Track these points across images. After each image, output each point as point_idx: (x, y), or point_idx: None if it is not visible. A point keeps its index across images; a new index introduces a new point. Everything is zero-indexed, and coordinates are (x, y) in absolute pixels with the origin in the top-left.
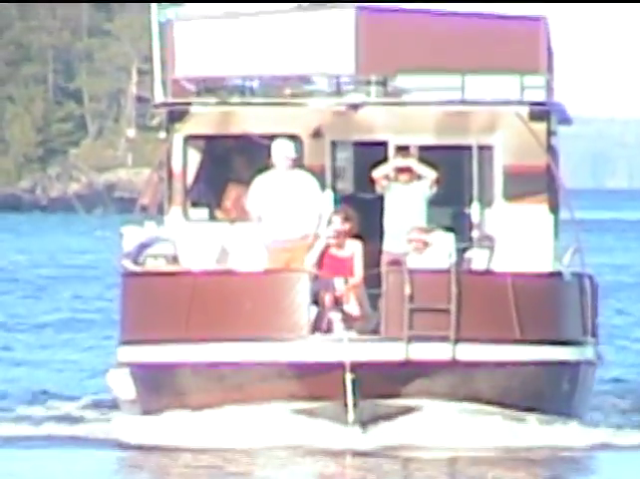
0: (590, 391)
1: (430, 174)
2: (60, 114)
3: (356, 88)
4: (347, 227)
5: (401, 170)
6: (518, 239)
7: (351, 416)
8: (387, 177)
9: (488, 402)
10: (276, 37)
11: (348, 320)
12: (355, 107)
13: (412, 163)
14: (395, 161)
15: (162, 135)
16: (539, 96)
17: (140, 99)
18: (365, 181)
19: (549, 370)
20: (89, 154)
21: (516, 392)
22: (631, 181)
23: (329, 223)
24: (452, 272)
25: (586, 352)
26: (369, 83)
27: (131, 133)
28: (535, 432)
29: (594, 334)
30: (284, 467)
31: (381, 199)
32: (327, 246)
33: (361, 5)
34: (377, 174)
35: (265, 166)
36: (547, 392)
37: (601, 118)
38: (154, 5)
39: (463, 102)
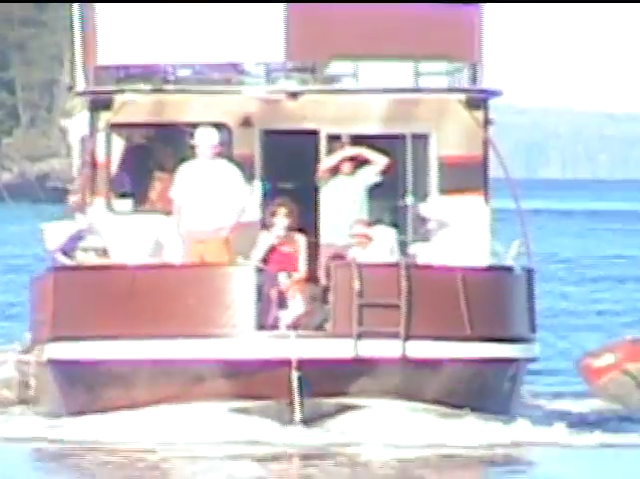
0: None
1: (381, 160)
2: None
3: (286, 75)
4: (290, 220)
5: (347, 159)
6: (456, 233)
7: (297, 415)
8: (333, 169)
9: (437, 401)
10: (205, 22)
11: (294, 316)
12: (294, 95)
13: (362, 150)
14: (344, 151)
15: (66, 122)
16: (475, 84)
17: (72, 89)
18: (296, 171)
19: (499, 368)
20: (21, 143)
21: (466, 390)
22: (564, 171)
23: (272, 216)
24: (401, 267)
25: (533, 349)
26: (299, 70)
27: (64, 122)
28: (481, 430)
29: (535, 330)
30: (222, 468)
31: (315, 190)
32: (275, 241)
33: None
34: (324, 166)
35: (191, 155)
36: (495, 389)
37: (536, 108)
38: None
39: (398, 90)
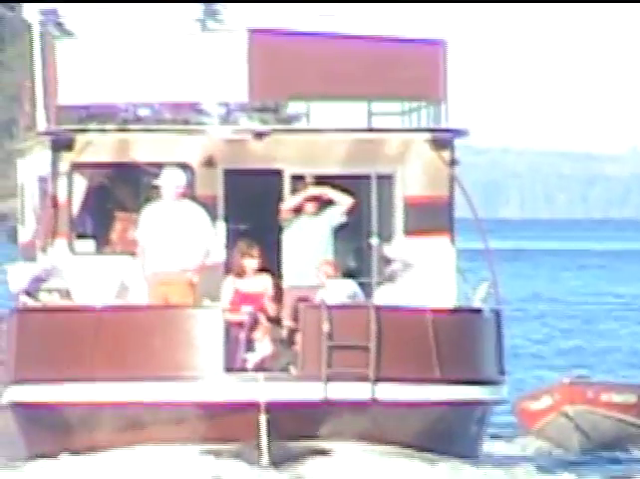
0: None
1: (346, 200)
2: None
3: (249, 115)
4: (258, 261)
5: (310, 199)
6: (421, 274)
7: (265, 458)
8: (297, 209)
9: (406, 444)
10: (166, 61)
11: (261, 359)
12: (260, 135)
13: (326, 190)
14: (308, 190)
15: (18, 161)
16: (438, 124)
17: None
18: (259, 211)
19: (468, 410)
20: None
21: (435, 433)
22: (522, 210)
23: (242, 257)
24: (370, 308)
25: (501, 391)
26: (260, 110)
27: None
28: (450, 476)
29: (503, 372)
30: None
31: (278, 231)
32: (245, 283)
33: (253, 28)
34: (287, 205)
35: (154, 195)
36: (463, 432)
37: (495, 147)
38: (35, 24)
39: (364, 130)
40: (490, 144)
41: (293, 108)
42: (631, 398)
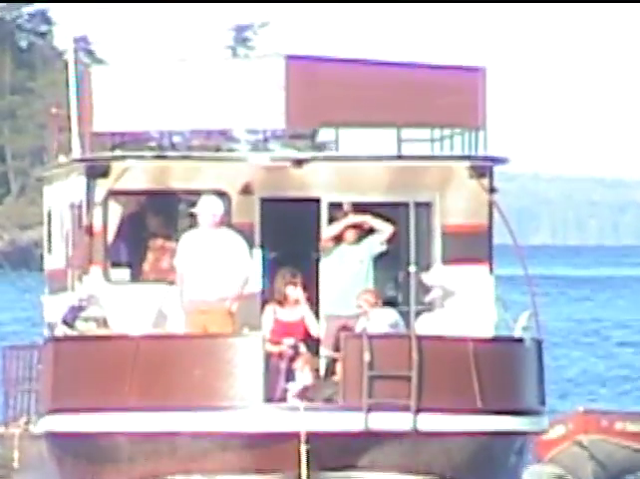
0: None
1: (387, 228)
2: None
3: (284, 143)
4: (301, 291)
5: (351, 227)
6: (460, 303)
7: None
8: (336, 237)
9: (448, 475)
10: (201, 88)
11: (302, 388)
12: (299, 162)
13: (367, 218)
14: (349, 218)
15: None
16: (476, 151)
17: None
18: (296, 239)
19: (509, 441)
20: (12, 211)
21: (476, 463)
22: (554, 237)
23: (285, 286)
24: (412, 338)
25: (542, 422)
26: (296, 137)
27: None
28: None
29: (544, 402)
30: None
31: (316, 259)
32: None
33: (290, 54)
34: (328, 233)
35: (190, 223)
36: (504, 463)
37: (526, 174)
38: (71, 52)
39: (402, 157)
40: (521, 170)
41: (323, 135)
42: None
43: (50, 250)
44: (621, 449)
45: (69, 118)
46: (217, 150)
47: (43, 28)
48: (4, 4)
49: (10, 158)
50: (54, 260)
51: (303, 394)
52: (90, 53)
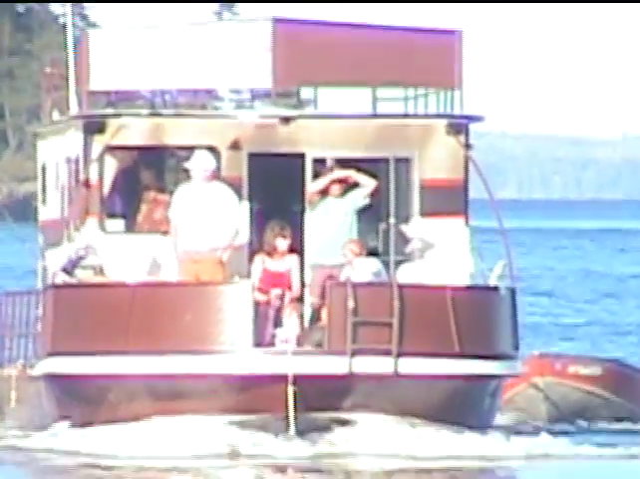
0: None
1: (370, 182)
2: None
3: (272, 101)
4: (289, 241)
5: (336, 181)
6: (437, 254)
7: (292, 429)
8: (322, 191)
9: (427, 415)
10: (191, 50)
11: (291, 334)
12: (286, 120)
13: (351, 173)
14: (334, 173)
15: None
16: (454, 110)
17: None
18: (282, 193)
19: (485, 384)
20: (9, 165)
21: (453, 405)
22: (520, 192)
23: (274, 237)
24: (393, 286)
25: (516, 366)
26: (282, 96)
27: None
28: (468, 443)
29: (518, 347)
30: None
31: (301, 212)
32: (275, 262)
33: (277, 17)
34: (313, 188)
35: (183, 178)
36: (479, 404)
37: (494, 132)
38: (68, 17)
39: (384, 115)
40: (490, 128)
41: (303, 94)
42: (597, 371)
43: (44, 202)
44: (574, 391)
45: (62, 77)
46: (203, 108)
47: None
48: None
49: (8, 115)
50: (48, 211)
51: (294, 339)
52: (84, 17)
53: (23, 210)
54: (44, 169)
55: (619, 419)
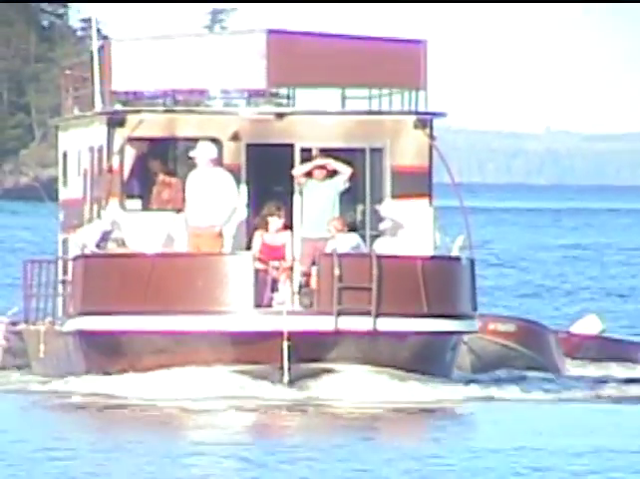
0: None
1: (346, 170)
2: (12, 122)
3: (267, 100)
4: (283, 219)
5: (318, 167)
6: (408, 230)
7: (286, 377)
8: (305, 174)
9: (400, 366)
10: (197, 57)
11: (284, 297)
12: (281, 115)
13: (329, 160)
14: (315, 160)
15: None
16: (418, 107)
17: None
18: (275, 177)
19: (449, 339)
20: (35, 154)
21: (423, 357)
22: (460, 177)
23: (270, 215)
24: (372, 257)
25: (474, 324)
26: (272, 95)
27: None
28: (439, 389)
29: (476, 308)
30: (224, 421)
31: (290, 193)
32: (271, 236)
33: (271, 29)
34: (297, 171)
35: (190, 164)
36: (447, 357)
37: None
38: (94, 29)
39: (363, 112)
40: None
41: (289, 93)
42: (511, 328)
43: (65, 184)
44: (492, 345)
45: (80, 79)
46: (197, 105)
47: (60, 11)
48: None
49: (34, 112)
50: (69, 192)
51: (287, 302)
52: (97, 30)
53: (47, 191)
54: (65, 156)
55: (530, 369)
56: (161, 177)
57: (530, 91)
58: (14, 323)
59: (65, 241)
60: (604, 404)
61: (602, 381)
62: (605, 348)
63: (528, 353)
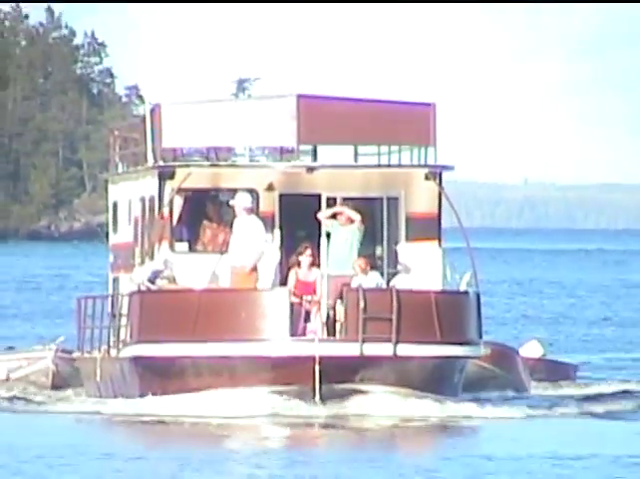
0: None
1: (356, 216)
2: (67, 176)
3: (295, 156)
4: (313, 258)
5: (338, 213)
6: (420, 268)
7: (317, 397)
8: (330, 217)
9: (417, 387)
10: (236, 118)
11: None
12: (311, 169)
13: (344, 208)
14: (335, 207)
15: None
16: (430, 161)
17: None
18: (305, 223)
19: (458, 363)
20: (86, 203)
21: (436, 379)
22: (450, 223)
23: (300, 255)
24: (393, 291)
25: (479, 350)
26: (305, 152)
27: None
28: (454, 408)
29: (481, 336)
30: (262, 434)
31: (318, 237)
32: (302, 274)
33: (300, 94)
34: (322, 215)
35: (230, 212)
36: (456, 378)
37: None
38: (145, 93)
39: (380, 166)
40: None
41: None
42: (487, 351)
43: (115, 230)
44: (472, 366)
45: (125, 139)
46: (226, 160)
47: (108, 80)
48: (81, 69)
49: (86, 167)
50: (119, 237)
51: (318, 331)
52: (139, 97)
53: (96, 235)
54: (115, 205)
55: (502, 388)
56: (206, 222)
57: (510, 147)
58: (62, 350)
59: (115, 280)
60: (597, 419)
61: (592, 398)
62: (550, 370)
63: (501, 373)
